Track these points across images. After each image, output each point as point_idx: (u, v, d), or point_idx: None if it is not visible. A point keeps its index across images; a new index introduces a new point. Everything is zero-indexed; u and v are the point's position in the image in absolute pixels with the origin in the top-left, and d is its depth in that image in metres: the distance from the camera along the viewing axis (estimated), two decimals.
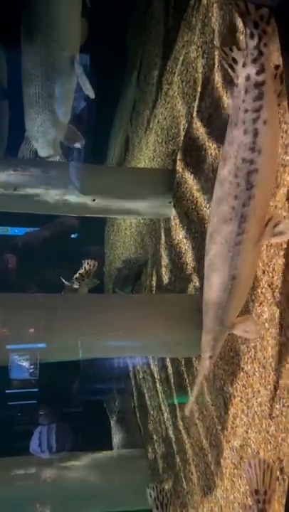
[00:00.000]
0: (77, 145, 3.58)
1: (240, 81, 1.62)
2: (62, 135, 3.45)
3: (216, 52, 1.69)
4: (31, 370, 2.74)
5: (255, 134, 1.63)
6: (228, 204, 1.71)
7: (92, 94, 3.25)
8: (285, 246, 1.92)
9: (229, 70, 1.62)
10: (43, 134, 3.36)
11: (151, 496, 2.85)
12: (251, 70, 1.61)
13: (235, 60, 1.62)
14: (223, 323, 1.93)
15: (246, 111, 1.62)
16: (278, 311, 1.94)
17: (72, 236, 5.41)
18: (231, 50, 1.63)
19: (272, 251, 1.99)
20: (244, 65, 1.61)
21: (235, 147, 1.66)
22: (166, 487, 3.21)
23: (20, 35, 3.14)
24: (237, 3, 1.53)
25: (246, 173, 1.65)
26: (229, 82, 2.11)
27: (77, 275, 3.61)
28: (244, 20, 1.56)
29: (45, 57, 3.10)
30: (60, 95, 3.26)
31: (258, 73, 1.61)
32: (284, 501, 1.81)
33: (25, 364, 2.80)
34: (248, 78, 1.61)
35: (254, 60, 1.60)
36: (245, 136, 1.63)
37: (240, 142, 1.64)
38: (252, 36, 1.58)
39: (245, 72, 1.62)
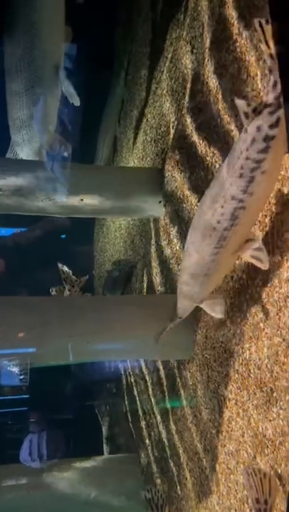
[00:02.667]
0: (64, 153, 3.51)
1: (251, 129, 1.55)
2: (48, 143, 3.37)
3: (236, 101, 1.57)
4: (22, 377, 2.65)
5: (251, 180, 1.61)
6: (210, 224, 1.76)
7: (76, 102, 3.18)
8: (279, 244, 1.86)
9: (243, 116, 1.54)
10: (29, 142, 3.29)
11: (146, 497, 2.78)
12: (265, 122, 1.52)
13: (252, 108, 1.53)
14: (194, 301, 2.15)
15: (247, 159, 1.58)
16: (274, 310, 1.88)
17: (62, 237, 5.30)
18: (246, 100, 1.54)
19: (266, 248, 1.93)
20: (259, 114, 1.52)
21: (227, 184, 1.65)
22: (161, 489, 3.14)
23: (3, 41, 3.06)
24: (268, 45, 1.43)
25: (233, 208, 1.68)
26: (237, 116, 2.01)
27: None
28: (271, 66, 1.46)
29: (29, 65, 3.03)
30: (45, 103, 3.19)
31: (270, 127, 1.53)
32: (282, 507, 1.75)
33: (16, 370, 2.72)
34: (258, 129, 1.54)
35: (271, 113, 1.51)
36: (240, 179, 1.62)
37: (234, 183, 1.63)
38: (275, 86, 1.47)
39: (258, 122, 1.53)
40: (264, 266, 1.84)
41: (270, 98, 1.48)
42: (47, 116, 3.26)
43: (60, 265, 3.41)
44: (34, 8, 2.92)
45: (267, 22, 1.44)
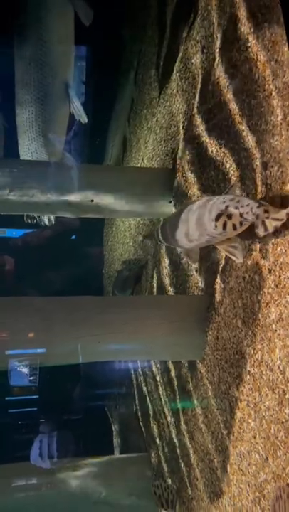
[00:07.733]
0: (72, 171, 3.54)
1: (219, 230, 1.96)
2: (57, 160, 3.39)
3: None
4: (31, 377, 2.66)
5: (223, 231, 2.01)
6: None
7: (83, 120, 3.21)
8: None
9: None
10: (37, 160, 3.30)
11: (156, 493, 2.76)
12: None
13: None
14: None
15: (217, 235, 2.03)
16: (286, 311, 1.87)
17: (72, 237, 5.32)
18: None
19: (278, 249, 1.93)
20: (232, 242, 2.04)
21: (203, 229, 2.06)
22: (172, 484, 3.13)
23: (13, 59, 3.08)
24: (258, 241, 1.96)
25: (207, 239, 2.11)
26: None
27: None
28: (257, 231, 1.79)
29: (38, 82, 3.05)
30: (54, 121, 3.20)
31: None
32: None
33: (25, 370, 2.73)
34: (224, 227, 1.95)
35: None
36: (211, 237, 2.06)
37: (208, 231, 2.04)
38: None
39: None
40: (238, 260, 2.12)
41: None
42: (56, 134, 3.27)
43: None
44: (45, 27, 2.93)
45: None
